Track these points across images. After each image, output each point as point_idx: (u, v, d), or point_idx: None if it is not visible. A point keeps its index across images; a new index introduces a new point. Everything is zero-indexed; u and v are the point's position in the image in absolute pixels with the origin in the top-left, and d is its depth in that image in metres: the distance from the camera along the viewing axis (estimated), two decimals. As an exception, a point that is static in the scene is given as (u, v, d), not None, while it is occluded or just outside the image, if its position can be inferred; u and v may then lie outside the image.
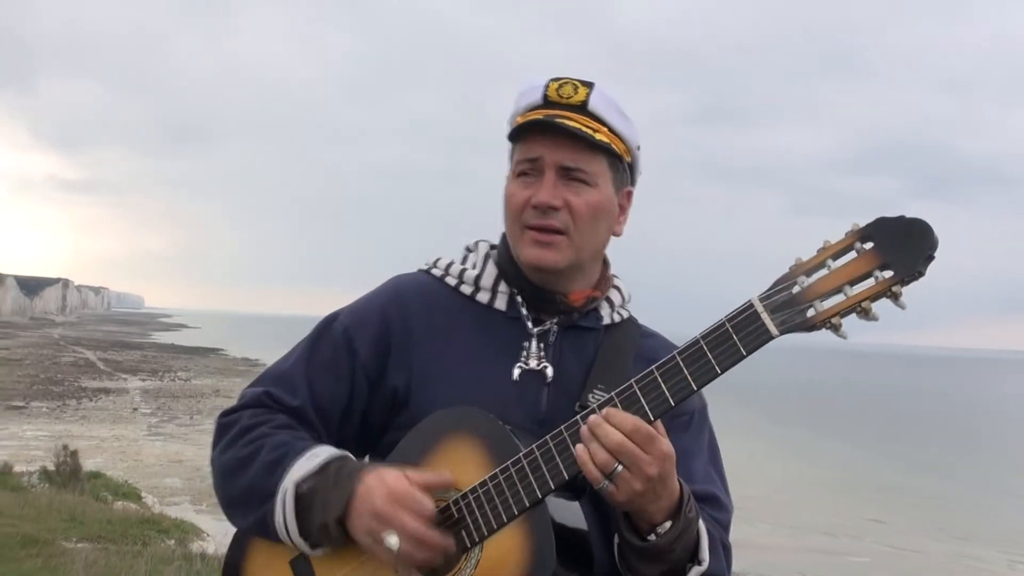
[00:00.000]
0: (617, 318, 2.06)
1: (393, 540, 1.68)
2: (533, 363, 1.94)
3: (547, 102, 1.94)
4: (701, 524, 1.80)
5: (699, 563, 1.79)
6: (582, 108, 1.92)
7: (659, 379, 1.69)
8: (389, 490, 1.71)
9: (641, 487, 1.66)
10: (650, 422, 1.68)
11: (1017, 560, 20.23)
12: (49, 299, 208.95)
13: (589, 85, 1.94)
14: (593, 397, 1.89)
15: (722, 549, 1.87)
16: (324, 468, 1.79)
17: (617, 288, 2.09)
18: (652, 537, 1.73)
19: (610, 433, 1.66)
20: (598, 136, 1.91)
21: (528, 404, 1.91)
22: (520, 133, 1.95)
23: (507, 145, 2.02)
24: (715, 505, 1.95)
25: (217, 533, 15.52)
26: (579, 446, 1.68)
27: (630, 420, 1.66)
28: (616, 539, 1.82)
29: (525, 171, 1.94)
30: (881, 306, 1.62)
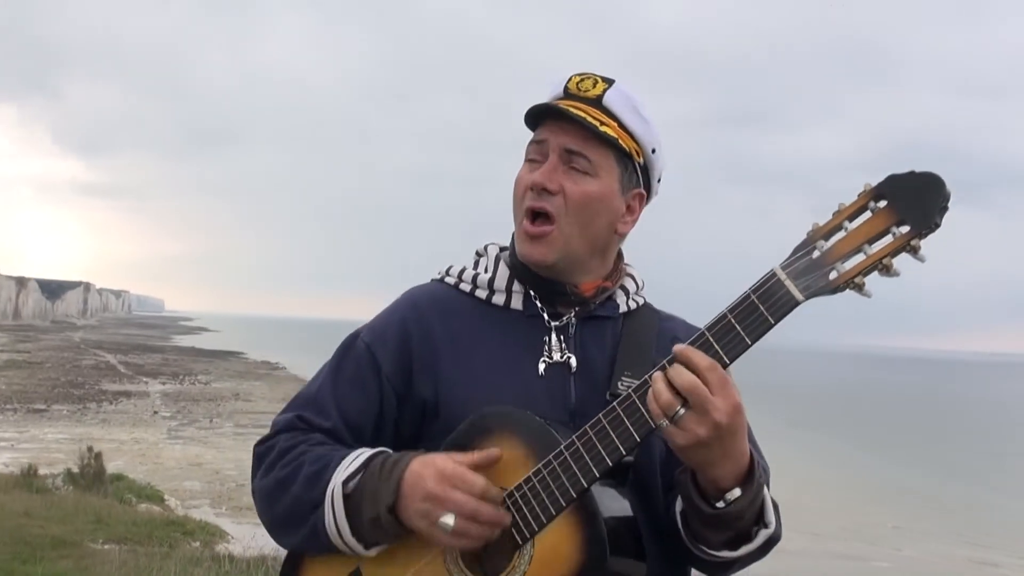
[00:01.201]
0: (633, 305, 2.07)
1: (449, 519, 1.69)
2: (556, 356, 1.95)
3: (567, 94, 1.96)
4: (765, 487, 1.79)
5: (766, 526, 1.79)
6: (596, 102, 1.94)
7: None
8: (438, 471, 1.72)
9: (705, 433, 1.64)
10: None
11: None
12: (70, 302, 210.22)
13: (609, 81, 1.96)
14: (622, 385, 1.90)
15: (775, 508, 1.85)
16: (367, 464, 1.81)
17: (631, 276, 2.10)
18: (721, 504, 1.72)
19: (682, 372, 1.65)
20: (603, 128, 1.91)
21: (557, 396, 1.92)
22: (533, 120, 1.98)
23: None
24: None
25: (241, 536, 15.57)
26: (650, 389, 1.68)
27: (706, 360, 1.65)
28: (679, 506, 1.83)
29: (533, 156, 1.97)
30: (904, 265, 1.63)
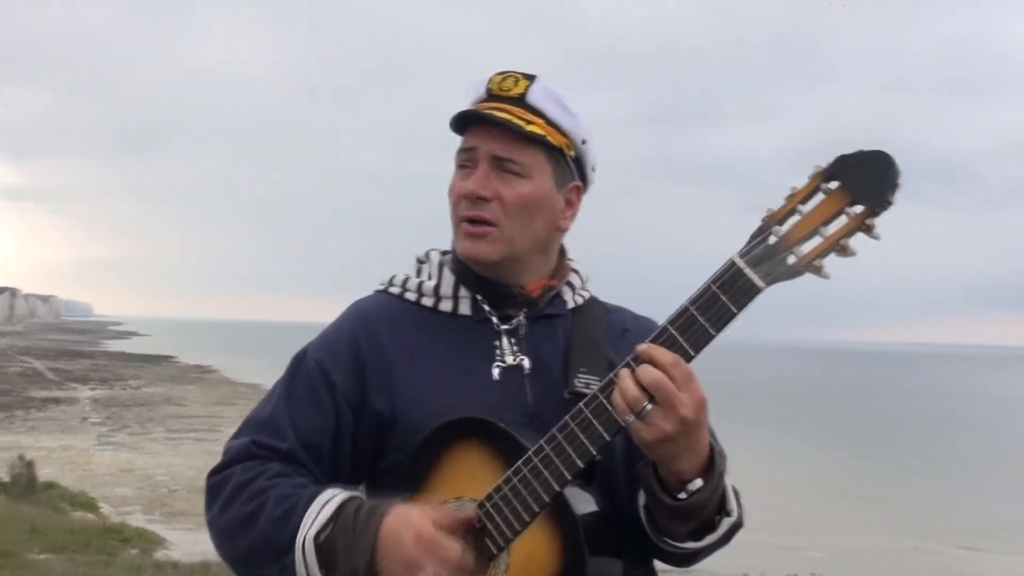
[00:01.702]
0: (580, 300, 2.07)
1: None
2: (509, 359, 1.94)
3: (490, 95, 1.96)
4: (726, 476, 1.80)
5: (728, 514, 1.82)
6: (519, 100, 1.93)
7: None
8: (416, 534, 1.69)
9: (672, 428, 1.64)
10: None
11: (973, 548, 20.48)
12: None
13: (531, 78, 1.96)
14: (579, 382, 1.91)
15: (736, 495, 1.87)
16: (338, 513, 1.77)
17: (575, 272, 2.10)
18: (683, 495, 1.73)
19: (647, 368, 1.65)
20: (530, 128, 1.91)
21: (515, 400, 1.91)
22: (460, 125, 1.97)
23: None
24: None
25: (179, 542, 15.38)
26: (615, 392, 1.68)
27: (670, 356, 1.65)
28: (641, 500, 1.83)
29: (463, 163, 1.96)
30: (859, 244, 1.64)
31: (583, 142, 2.00)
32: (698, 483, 1.72)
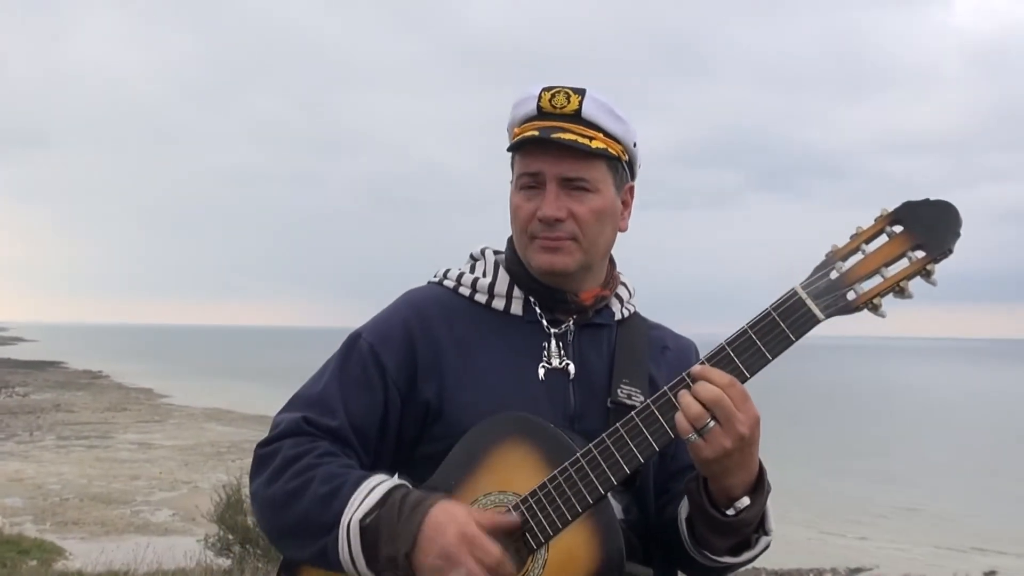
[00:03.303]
0: (627, 313, 2.13)
1: None
2: (556, 362, 2.00)
3: (541, 113, 1.99)
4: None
5: (766, 533, 1.88)
6: (576, 117, 1.97)
7: None
8: (459, 530, 1.73)
9: (731, 445, 1.70)
10: None
11: (865, 536, 20.91)
12: None
13: (581, 92, 1.98)
14: (621, 392, 1.98)
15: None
16: (386, 499, 1.80)
17: (624, 284, 2.17)
18: (732, 512, 1.79)
19: (707, 387, 1.71)
20: (594, 144, 1.95)
21: (558, 402, 1.97)
22: (519, 145, 1.99)
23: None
24: None
25: (78, 552, 15.04)
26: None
27: (727, 376, 1.72)
28: (684, 512, 1.89)
29: (528, 185, 1.99)
30: (915, 288, 1.74)
31: (634, 145, 2.06)
32: (746, 501, 1.78)
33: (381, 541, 1.77)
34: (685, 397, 1.72)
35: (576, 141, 1.93)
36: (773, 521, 1.89)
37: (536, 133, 1.95)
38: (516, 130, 2.02)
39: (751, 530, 1.85)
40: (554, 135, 1.94)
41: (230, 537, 11.51)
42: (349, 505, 1.80)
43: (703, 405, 1.70)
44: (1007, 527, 21.01)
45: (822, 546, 19.18)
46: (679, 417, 1.72)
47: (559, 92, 1.98)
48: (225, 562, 11.35)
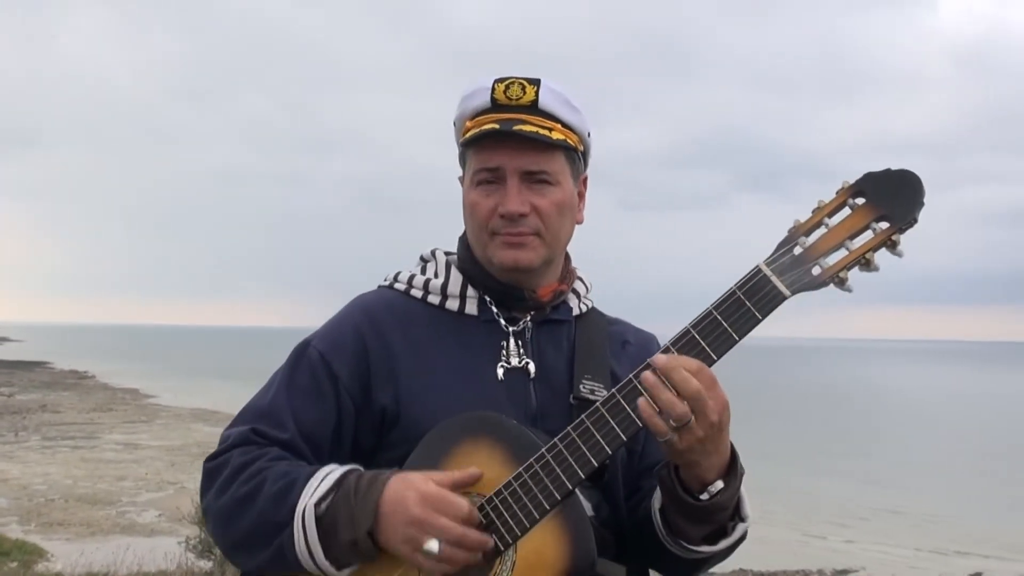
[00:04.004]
0: (584, 308, 2.10)
1: (434, 545, 1.66)
2: (515, 361, 1.95)
3: (496, 105, 1.93)
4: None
5: (742, 519, 1.84)
6: (533, 108, 1.92)
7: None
8: (421, 494, 1.69)
9: (703, 434, 1.66)
10: None
11: (849, 538, 20.96)
12: None
13: (536, 82, 1.93)
14: (584, 388, 1.93)
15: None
16: (339, 483, 1.76)
17: (580, 279, 2.12)
18: (705, 496, 1.74)
19: (687, 379, 1.65)
20: (554, 135, 1.91)
21: (519, 402, 1.92)
22: (475, 140, 1.93)
23: (455, 150, 2.04)
24: None
25: (59, 553, 14.99)
26: (641, 399, 1.67)
27: (694, 362, 1.67)
28: (657, 503, 1.84)
29: (487, 180, 1.93)
30: (881, 260, 1.70)
31: (588, 135, 2.01)
32: (719, 485, 1.73)
33: (340, 525, 1.72)
34: (665, 394, 1.65)
35: (538, 133, 1.89)
36: (749, 507, 1.84)
37: (496, 126, 1.89)
38: (468, 123, 1.96)
39: (727, 516, 1.80)
40: (516, 127, 1.88)
41: (211, 539, 11.47)
42: (303, 496, 1.74)
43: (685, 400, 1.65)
44: (992, 529, 21.03)
45: (806, 547, 19.20)
46: (655, 417, 1.65)
47: (513, 83, 1.93)
48: (207, 564, 11.34)
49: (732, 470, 1.77)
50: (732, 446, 1.77)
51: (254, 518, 1.78)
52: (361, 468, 1.81)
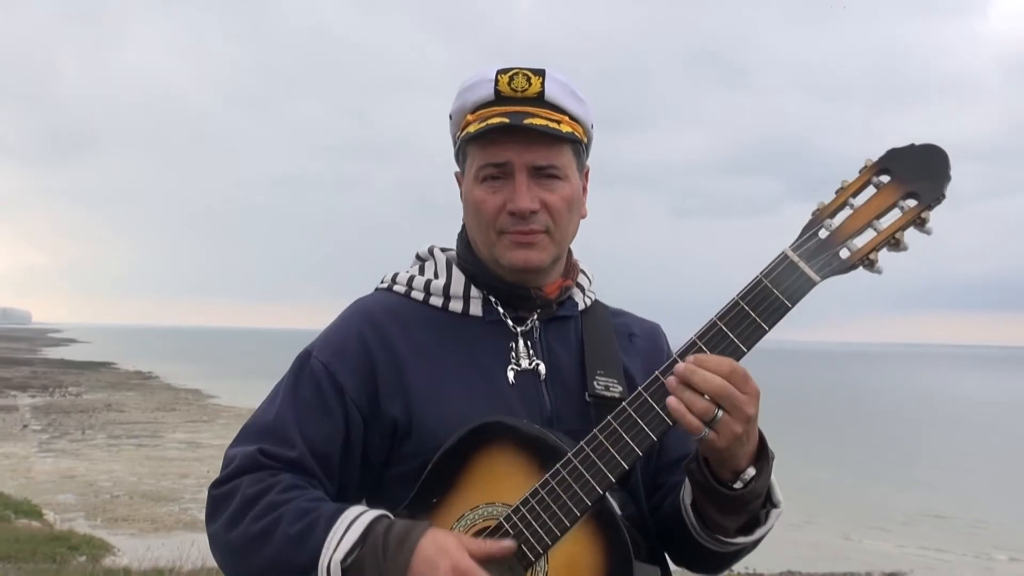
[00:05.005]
0: (588, 301, 2.02)
1: None
2: (525, 363, 1.87)
3: (500, 97, 1.84)
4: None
5: (775, 505, 1.78)
6: (539, 100, 1.84)
7: (703, 350, 1.66)
8: (452, 565, 1.60)
9: (741, 429, 1.61)
10: None
11: (894, 542, 20.92)
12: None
13: (541, 73, 1.85)
14: (598, 384, 1.87)
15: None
16: (366, 535, 1.66)
17: (583, 272, 2.04)
18: (739, 485, 1.68)
19: (709, 377, 1.60)
20: (563, 128, 1.83)
21: (532, 404, 1.84)
22: (482, 134, 1.83)
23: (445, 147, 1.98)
24: None
25: (126, 548, 15.43)
26: (671, 399, 1.61)
27: (726, 361, 1.61)
28: (688, 498, 1.78)
29: (492, 175, 1.85)
30: (910, 239, 1.64)
31: (592, 126, 1.94)
32: (751, 472, 1.67)
33: None
34: (684, 392, 1.60)
35: (547, 126, 1.80)
36: (780, 493, 1.77)
37: (506, 120, 1.80)
38: (470, 117, 1.87)
39: (759, 504, 1.74)
40: (526, 120, 1.80)
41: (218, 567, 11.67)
42: (326, 546, 1.65)
43: (705, 394, 1.60)
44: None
45: (853, 550, 19.21)
46: (687, 415, 1.60)
47: (518, 73, 1.84)
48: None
49: (762, 455, 1.71)
50: (760, 431, 1.70)
51: (269, 560, 1.70)
52: (388, 514, 1.71)
